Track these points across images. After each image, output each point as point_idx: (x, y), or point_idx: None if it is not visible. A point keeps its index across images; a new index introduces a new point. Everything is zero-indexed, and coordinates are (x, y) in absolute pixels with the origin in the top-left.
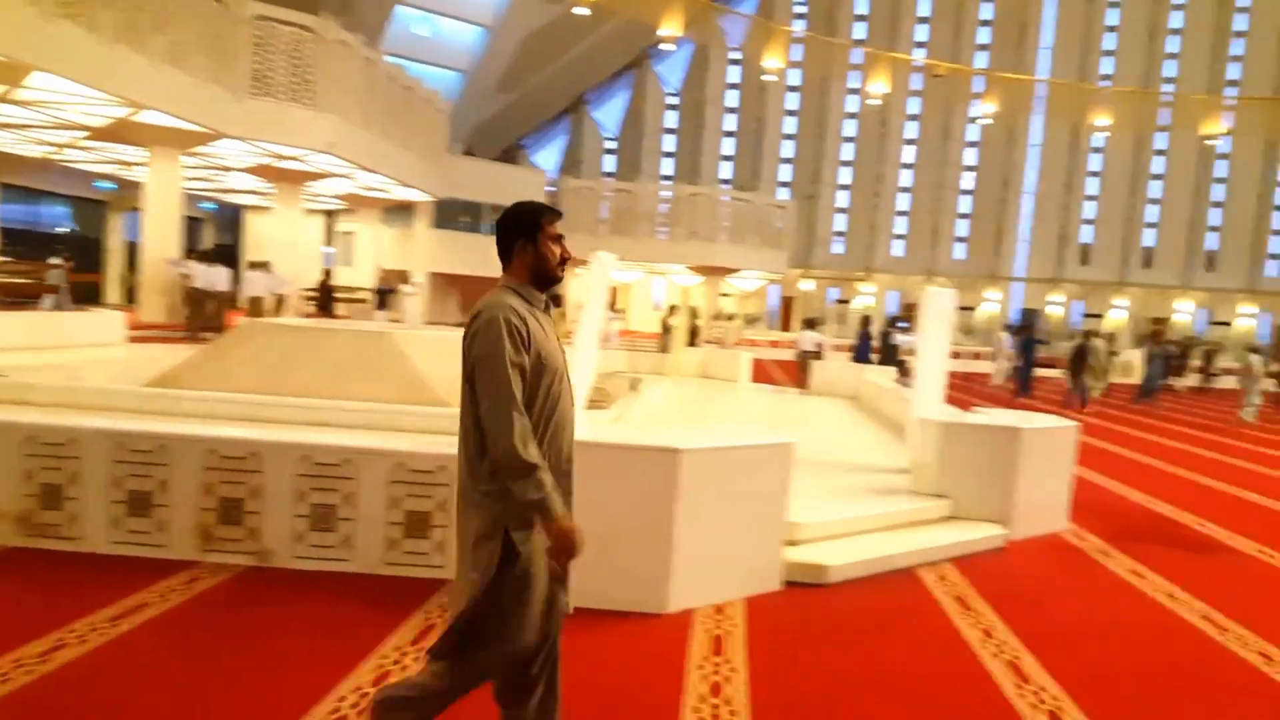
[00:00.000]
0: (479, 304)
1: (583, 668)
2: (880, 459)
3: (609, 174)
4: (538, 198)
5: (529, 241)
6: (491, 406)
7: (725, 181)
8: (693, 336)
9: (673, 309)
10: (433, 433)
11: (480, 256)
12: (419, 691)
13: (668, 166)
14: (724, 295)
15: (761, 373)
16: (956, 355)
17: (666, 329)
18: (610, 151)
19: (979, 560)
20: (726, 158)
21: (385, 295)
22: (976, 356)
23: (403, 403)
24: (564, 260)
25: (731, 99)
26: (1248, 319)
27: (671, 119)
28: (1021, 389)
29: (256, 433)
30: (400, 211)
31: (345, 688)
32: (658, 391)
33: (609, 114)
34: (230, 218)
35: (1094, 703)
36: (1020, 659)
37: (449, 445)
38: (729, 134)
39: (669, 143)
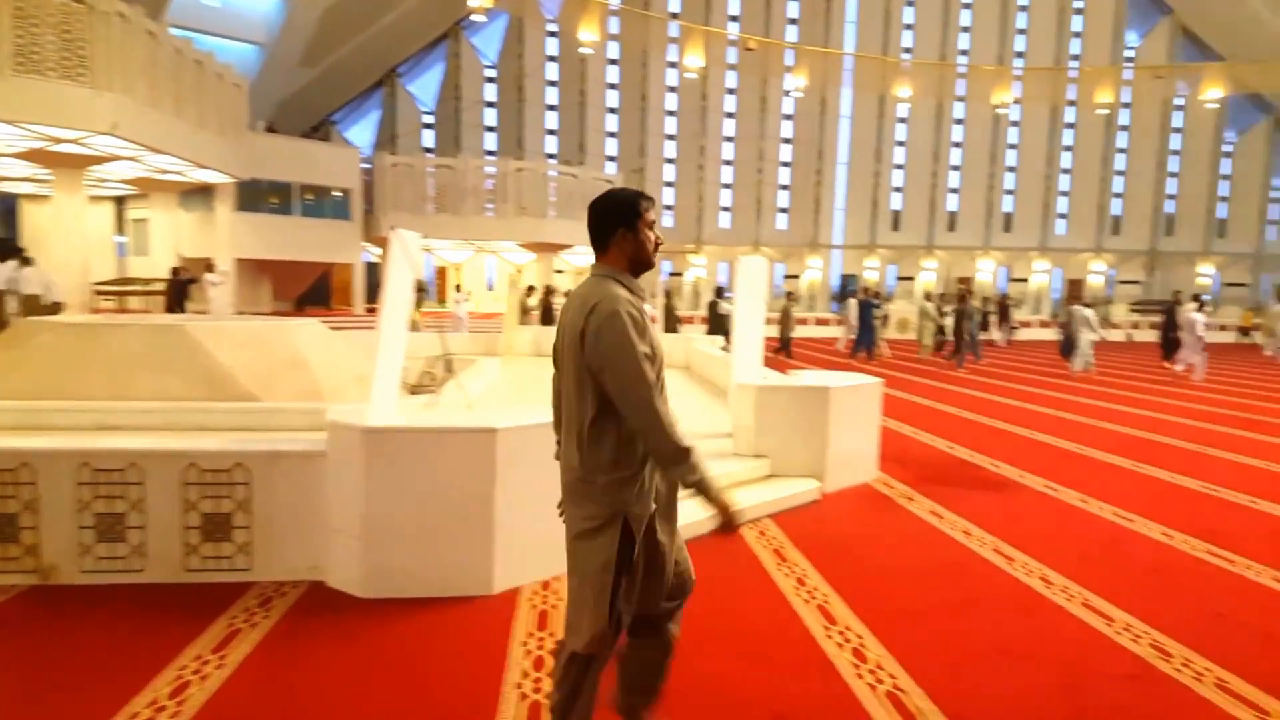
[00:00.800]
0: (589, 298)
1: (403, 656)
2: (706, 424)
3: (429, 149)
4: (352, 174)
5: (629, 230)
6: (635, 401)
7: (551, 156)
8: (547, 314)
9: (530, 289)
10: (241, 429)
11: (294, 239)
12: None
13: (490, 141)
14: (558, 272)
15: None
16: (804, 322)
17: (525, 309)
18: (428, 126)
19: (796, 514)
20: (550, 131)
21: (186, 285)
22: (804, 322)
23: (205, 399)
24: (657, 246)
25: (551, 71)
26: (1042, 275)
27: (491, 92)
28: (855, 349)
29: (24, 441)
30: (199, 194)
31: (139, 703)
32: (488, 372)
33: (424, 87)
34: (4, 209)
35: (893, 636)
36: (829, 603)
37: (252, 442)
38: (551, 107)
39: (490, 116)
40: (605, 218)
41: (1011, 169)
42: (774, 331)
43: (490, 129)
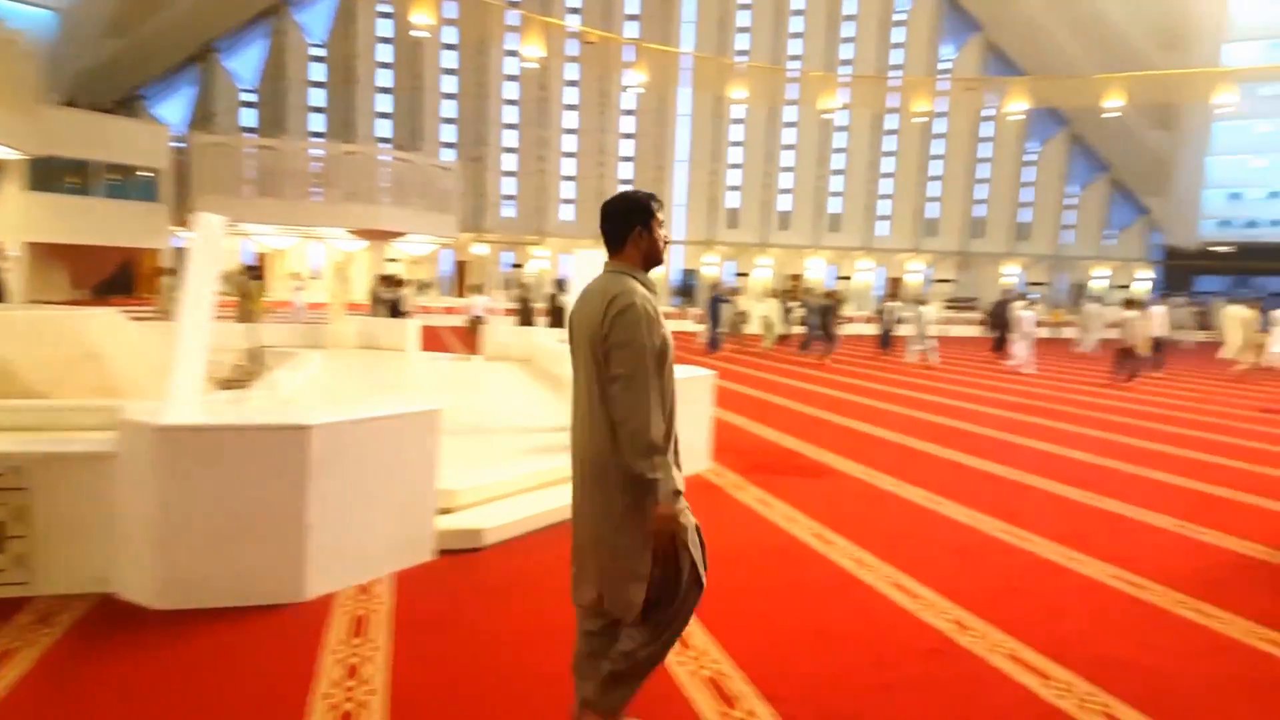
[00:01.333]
0: (608, 291)
1: (201, 671)
2: (543, 419)
3: (249, 130)
4: (161, 153)
5: (644, 228)
6: (628, 387)
7: (384, 140)
8: (396, 307)
9: (384, 280)
10: (23, 429)
11: (94, 222)
12: (630, 664)
13: (317, 123)
14: (391, 261)
15: (435, 340)
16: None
17: (377, 300)
18: (249, 105)
19: None
20: (383, 115)
21: None
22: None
23: None
24: (666, 243)
25: (384, 53)
26: (865, 273)
27: (319, 72)
28: (711, 345)
29: None
30: None
31: None
32: (308, 365)
33: (245, 65)
34: None
35: (718, 623)
36: None
37: (30, 443)
38: (384, 90)
39: (317, 97)
40: (624, 218)
41: (839, 172)
42: None
43: (317, 110)
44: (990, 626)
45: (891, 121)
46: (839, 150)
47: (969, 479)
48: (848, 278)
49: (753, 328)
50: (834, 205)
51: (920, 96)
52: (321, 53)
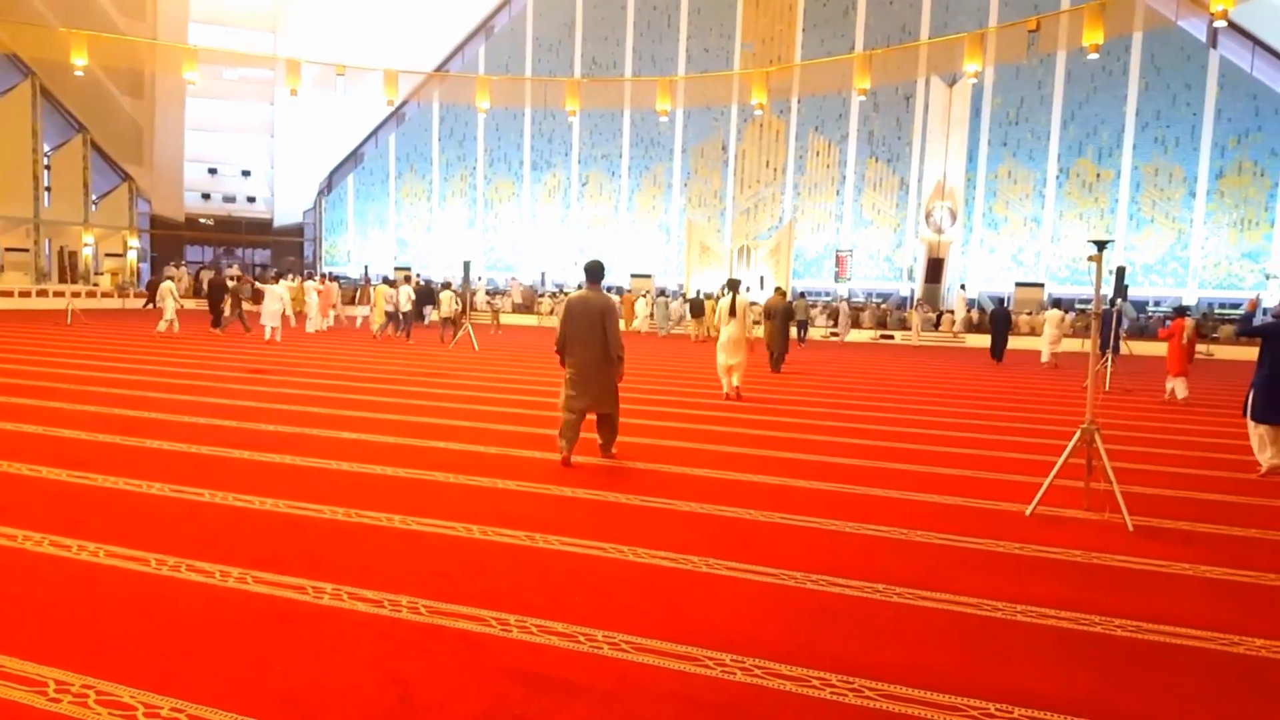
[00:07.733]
0: (602, 297)
1: None
2: None
3: None
4: None
5: (603, 275)
6: (617, 333)
7: None
8: None
9: None
10: None
11: None
12: (613, 425)
13: None
14: None
15: None
16: None
17: None
18: None
19: None
20: None
21: None
22: None
23: None
24: None
25: None
26: None
27: None
28: None
29: None
30: None
31: None
32: None
33: None
34: None
35: None
36: None
37: None
38: None
39: None
40: (602, 272)
41: None
42: None
43: None
44: None
45: None
46: None
47: None
48: None
49: None
50: None
51: None
52: None
